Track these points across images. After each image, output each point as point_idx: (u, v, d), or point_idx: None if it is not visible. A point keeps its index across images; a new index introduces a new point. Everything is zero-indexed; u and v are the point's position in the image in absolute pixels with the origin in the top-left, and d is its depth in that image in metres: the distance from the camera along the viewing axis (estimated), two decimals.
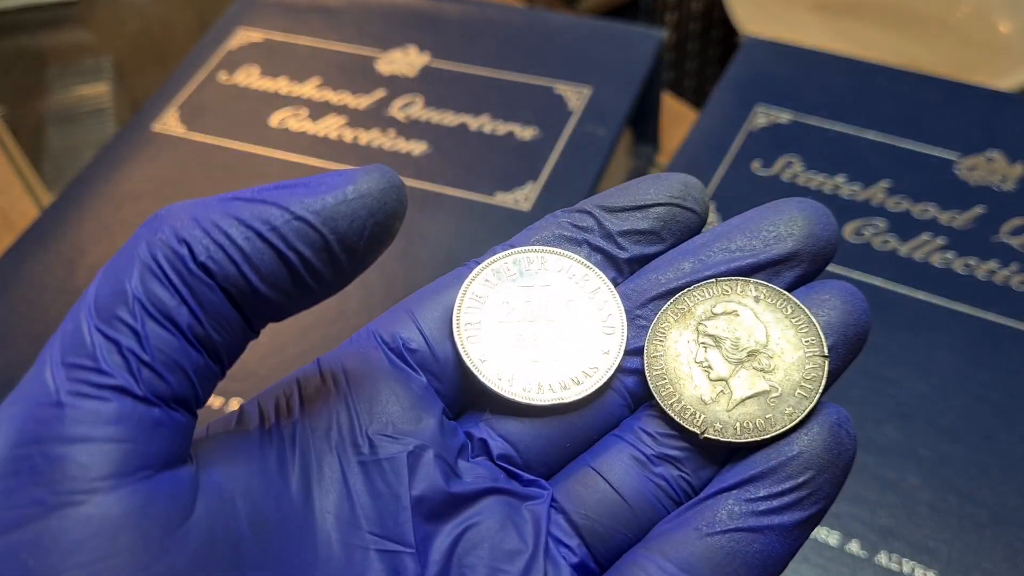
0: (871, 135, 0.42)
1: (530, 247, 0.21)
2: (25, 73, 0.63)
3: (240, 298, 0.17)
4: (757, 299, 0.20)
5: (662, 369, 0.20)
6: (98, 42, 0.65)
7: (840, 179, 0.40)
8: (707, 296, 0.20)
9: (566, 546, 0.19)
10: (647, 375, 0.20)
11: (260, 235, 0.17)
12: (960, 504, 0.29)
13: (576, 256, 0.21)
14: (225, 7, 0.53)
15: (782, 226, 0.20)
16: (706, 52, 0.93)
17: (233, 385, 0.34)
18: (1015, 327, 0.34)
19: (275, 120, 0.44)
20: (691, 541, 0.18)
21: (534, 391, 0.20)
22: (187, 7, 0.69)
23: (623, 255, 0.21)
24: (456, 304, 0.20)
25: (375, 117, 0.44)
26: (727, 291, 0.20)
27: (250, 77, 0.46)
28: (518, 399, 0.20)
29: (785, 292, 0.20)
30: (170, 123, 0.45)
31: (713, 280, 0.20)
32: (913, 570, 0.28)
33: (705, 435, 0.19)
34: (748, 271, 0.20)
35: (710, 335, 0.20)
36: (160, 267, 0.17)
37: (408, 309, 0.21)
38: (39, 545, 0.15)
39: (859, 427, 0.31)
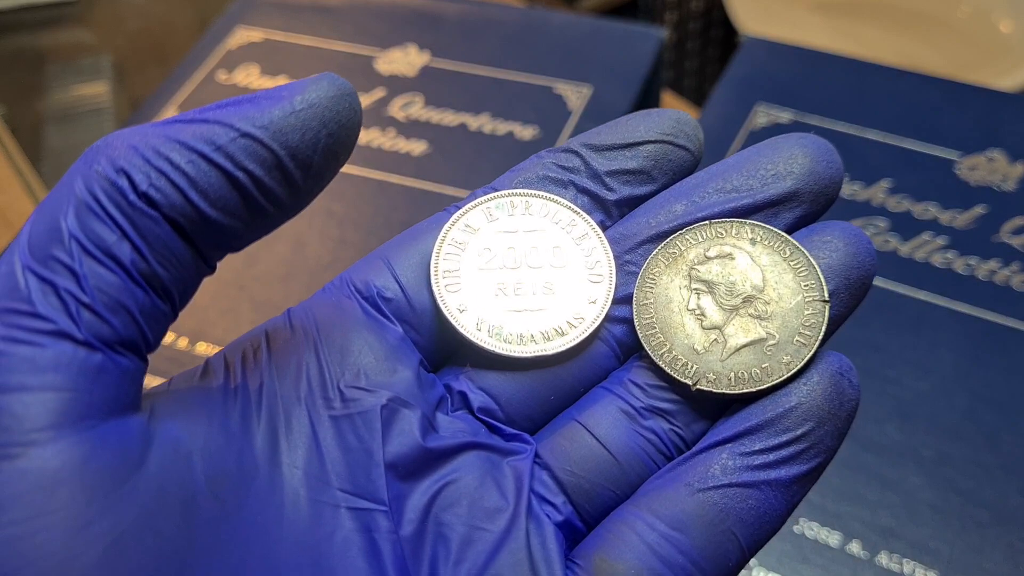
0: (872, 135, 0.42)
1: (514, 191, 0.20)
2: (24, 72, 0.63)
3: (189, 228, 0.16)
4: (753, 241, 0.19)
5: (652, 317, 0.19)
6: (97, 41, 0.65)
7: None
8: (700, 239, 0.19)
9: (550, 503, 0.18)
10: (636, 323, 0.19)
11: (205, 156, 0.16)
12: (961, 504, 0.29)
13: (562, 200, 0.20)
14: (225, 6, 0.53)
15: (781, 164, 0.19)
16: (706, 51, 0.93)
17: None
18: (1016, 327, 0.34)
19: None
20: (682, 498, 0.17)
21: (516, 343, 0.19)
22: (187, 6, 0.69)
23: (611, 196, 0.20)
24: (434, 251, 0.19)
25: (375, 116, 0.43)
26: (721, 234, 0.19)
27: (249, 76, 0.46)
28: (498, 351, 0.19)
29: (783, 234, 0.19)
30: None
31: (707, 222, 0.19)
32: (914, 570, 0.28)
33: (697, 386, 0.18)
34: (745, 212, 0.19)
35: (703, 280, 0.19)
36: (98, 201, 0.15)
37: (383, 256, 0.19)
38: None
39: (860, 427, 0.31)
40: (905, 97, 0.43)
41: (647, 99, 0.46)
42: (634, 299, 0.19)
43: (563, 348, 0.19)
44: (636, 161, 0.20)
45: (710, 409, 0.18)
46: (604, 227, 0.20)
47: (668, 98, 0.54)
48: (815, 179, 0.19)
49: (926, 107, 0.42)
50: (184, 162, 0.16)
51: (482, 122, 0.42)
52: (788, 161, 0.19)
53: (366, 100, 0.44)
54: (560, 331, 0.19)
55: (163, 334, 0.17)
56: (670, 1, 0.85)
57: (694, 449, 0.18)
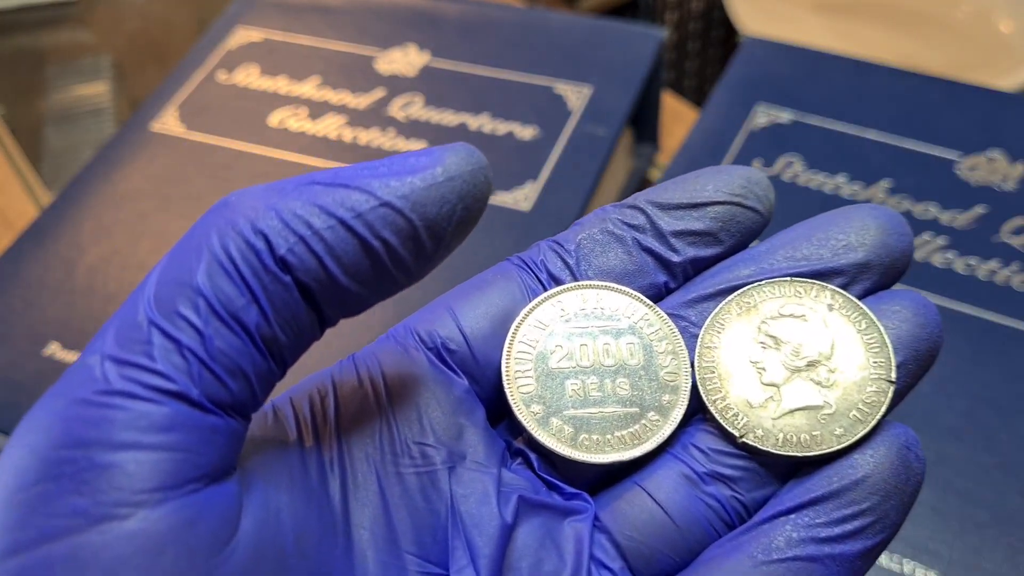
0: (872, 135, 0.42)
1: (586, 283, 0.19)
2: (24, 72, 0.63)
3: (319, 293, 0.16)
4: (831, 307, 0.19)
5: (713, 362, 0.19)
6: (97, 41, 0.65)
7: (841, 179, 0.40)
8: (777, 295, 0.19)
9: (608, 569, 0.18)
10: (696, 364, 0.19)
11: (344, 223, 0.15)
12: (961, 504, 0.29)
13: (634, 293, 0.19)
14: (224, 6, 0.53)
15: (853, 235, 0.19)
16: (706, 52, 0.93)
17: None
18: (1016, 327, 0.34)
19: (275, 119, 0.44)
20: (745, 569, 0.17)
21: (593, 449, 0.18)
22: (186, 6, 0.69)
23: (676, 258, 0.19)
24: (504, 350, 0.19)
25: (375, 116, 0.43)
26: (800, 293, 0.19)
27: (249, 76, 0.46)
28: (576, 458, 0.18)
29: (862, 305, 0.18)
30: (169, 122, 0.45)
31: (788, 279, 0.19)
32: (914, 571, 0.28)
33: (744, 439, 0.18)
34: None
35: (772, 336, 0.19)
36: (232, 261, 0.15)
37: (447, 306, 0.19)
38: (76, 560, 0.14)
39: None
40: (905, 97, 0.43)
41: (647, 99, 0.46)
42: (699, 340, 0.19)
43: (639, 454, 0.19)
44: (703, 222, 0.19)
45: (773, 477, 0.18)
46: (668, 288, 0.20)
47: (668, 98, 0.54)
48: (887, 251, 0.19)
49: (926, 107, 0.42)
50: (323, 227, 0.15)
51: (482, 122, 0.42)
52: (860, 232, 0.19)
53: (366, 100, 0.44)
54: (636, 436, 0.19)
55: (269, 395, 0.16)
56: (671, 1, 0.85)
57: (757, 518, 0.17)
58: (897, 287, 0.20)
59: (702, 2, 0.86)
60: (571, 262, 0.20)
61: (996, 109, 0.42)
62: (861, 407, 0.18)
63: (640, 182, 0.49)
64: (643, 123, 0.48)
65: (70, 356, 0.36)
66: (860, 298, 0.19)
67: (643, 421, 0.19)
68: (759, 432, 0.18)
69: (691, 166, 0.41)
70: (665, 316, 0.19)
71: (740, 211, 0.19)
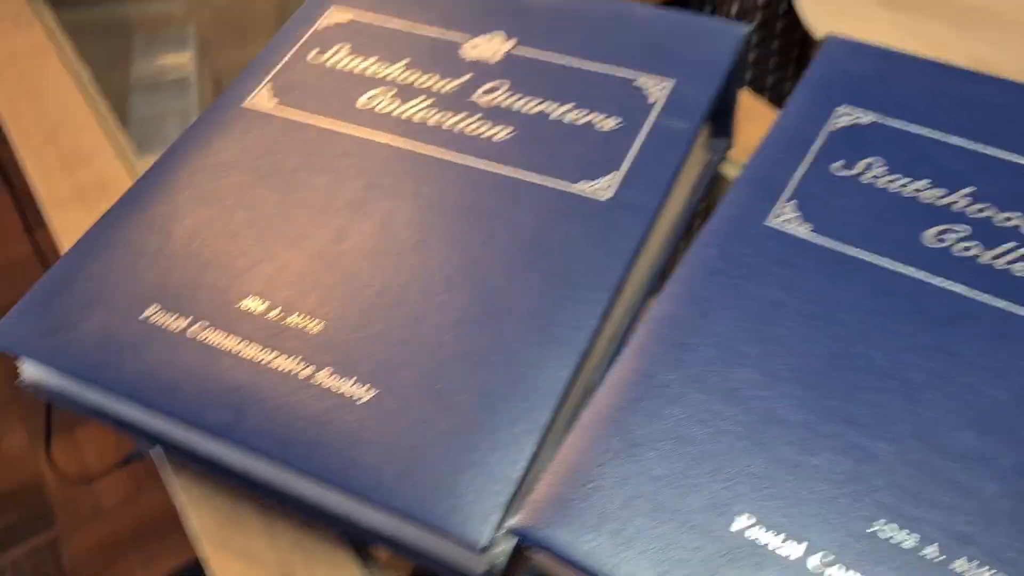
0: (955, 140, 0.42)
1: None
2: (112, 41, 0.65)
3: None
4: None
5: None
6: (183, 13, 0.67)
7: (922, 183, 0.40)
8: None
9: None
10: None
11: None
12: None
13: None
14: None
15: None
16: (768, 43, 0.93)
17: None
18: None
19: (364, 100, 0.45)
20: None
21: None
22: None
23: None
24: None
25: (460, 101, 0.44)
26: None
27: (340, 56, 0.48)
28: None
29: None
30: (263, 99, 0.46)
31: None
32: None
33: None
34: None
35: None
36: None
37: None
38: None
39: (935, 433, 0.32)
40: (988, 102, 0.43)
41: (727, 95, 0.47)
42: None
43: None
44: None
45: None
46: None
47: (745, 96, 0.54)
48: None
49: (1010, 113, 0.42)
50: None
51: (564, 111, 0.43)
52: None
53: (451, 84, 0.45)
54: None
55: None
56: None
57: None
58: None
59: None
60: None
61: None
62: None
63: (714, 176, 0.49)
64: (720, 117, 0.48)
65: (168, 319, 0.38)
66: None
67: None
68: None
69: (771, 165, 0.42)
70: None
71: None
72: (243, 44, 0.61)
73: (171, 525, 1.54)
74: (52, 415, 0.58)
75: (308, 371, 0.35)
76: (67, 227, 0.49)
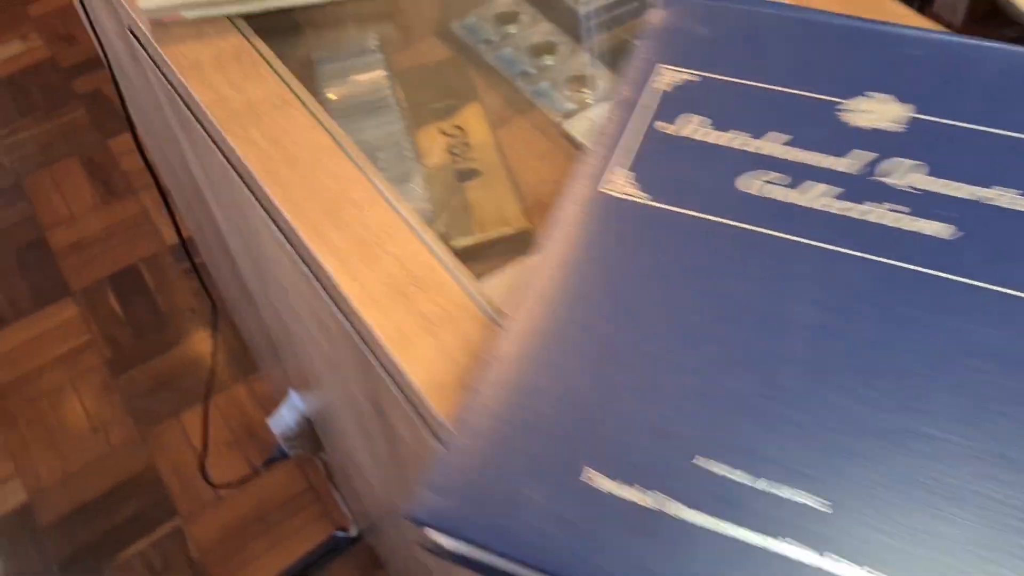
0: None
1: None
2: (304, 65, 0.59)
3: None
4: None
5: None
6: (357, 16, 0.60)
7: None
8: None
9: None
10: None
11: None
12: None
13: None
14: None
15: None
16: None
17: None
18: None
19: (745, 184, 0.40)
20: None
21: None
22: None
23: None
24: None
25: (865, 184, 0.39)
26: None
27: (694, 128, 0.42)
28: None
29: None
30: (620, 182, 0.41)
31: None
32: None
33: None
34: None
35: None
36: None
37: None
38: None
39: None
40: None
41: None
42: None
43: None
44: None
45: None
46: None
47: None
48: None
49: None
50: None
51: (1003, 196, 0.38)
52: None
53: (846, 163, 0.39)
54: None
55: None
56: None
57: None
58: None
59: None
60: None
61: None
62: None
63: None
64: None
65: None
66: None
67: None
68: None
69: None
70: None
71: None
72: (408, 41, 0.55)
73: (292, 507, 1.54)
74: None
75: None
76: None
